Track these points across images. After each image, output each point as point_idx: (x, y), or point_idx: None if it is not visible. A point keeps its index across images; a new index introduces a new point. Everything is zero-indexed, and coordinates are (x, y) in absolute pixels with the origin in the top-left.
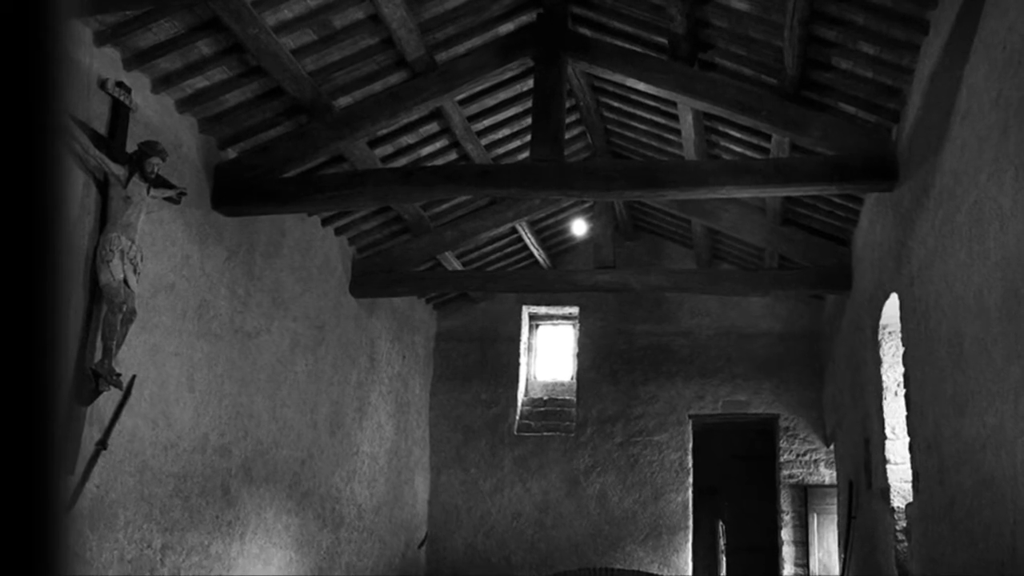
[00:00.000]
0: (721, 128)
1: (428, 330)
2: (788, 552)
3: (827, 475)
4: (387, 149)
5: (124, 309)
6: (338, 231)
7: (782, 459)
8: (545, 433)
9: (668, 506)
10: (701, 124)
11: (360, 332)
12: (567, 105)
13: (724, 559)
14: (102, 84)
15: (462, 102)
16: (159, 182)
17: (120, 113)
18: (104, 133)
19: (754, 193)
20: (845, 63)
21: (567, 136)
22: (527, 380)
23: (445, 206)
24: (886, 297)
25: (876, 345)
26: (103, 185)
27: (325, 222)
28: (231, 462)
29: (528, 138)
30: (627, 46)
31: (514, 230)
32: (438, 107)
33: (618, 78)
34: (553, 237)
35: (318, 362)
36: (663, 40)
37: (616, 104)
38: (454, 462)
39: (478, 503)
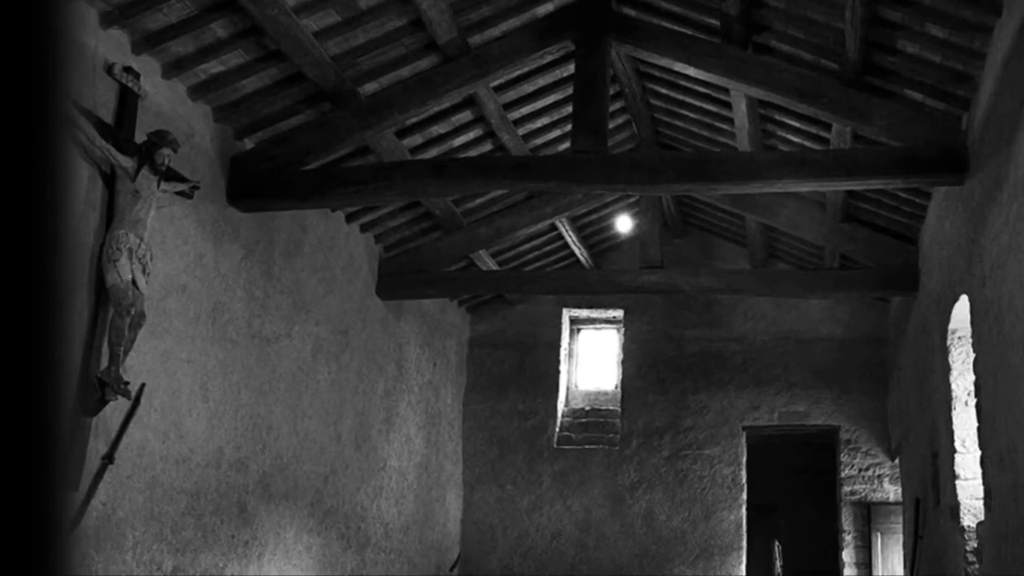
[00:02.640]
0: (777, 117)
1: (461, 335)
2: (850, 575)
3: (892, 491)
4: (416, 139)
5: (132, 312)
6: (363, 228)
7: (843, 474)
8: (587, 446)
9: (720, 525)
10: (756, 112)
11: (387, 337)
12: (611, 92)
13: None
14: (109, 69)
15: (497, 89)
16: (170, 175)
17: (128, 100)
18: (111, 122)
19: (813, 187)
20: (911, 47)
21: (611, 125)
22: (568, 389)
23: (479, 201)
24: (956, 299)
25: (945, 351)
26: (110, 178)
27: (349, 218)
28: (248, 477)
29: (568, 128)
30: (676, 28)
31: (554, 227)
32: (471, 94)
33: (666, 63)
34: (596, 235)
35: (342, 370)
36: (715, 22)
37: (664, 91)
38: (489, 478)
39: (515, 522)
